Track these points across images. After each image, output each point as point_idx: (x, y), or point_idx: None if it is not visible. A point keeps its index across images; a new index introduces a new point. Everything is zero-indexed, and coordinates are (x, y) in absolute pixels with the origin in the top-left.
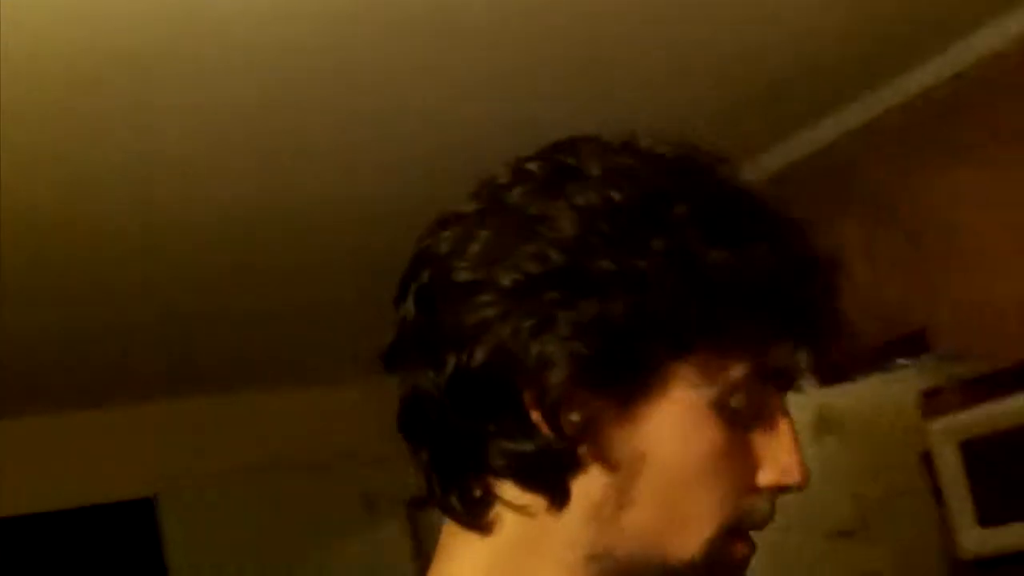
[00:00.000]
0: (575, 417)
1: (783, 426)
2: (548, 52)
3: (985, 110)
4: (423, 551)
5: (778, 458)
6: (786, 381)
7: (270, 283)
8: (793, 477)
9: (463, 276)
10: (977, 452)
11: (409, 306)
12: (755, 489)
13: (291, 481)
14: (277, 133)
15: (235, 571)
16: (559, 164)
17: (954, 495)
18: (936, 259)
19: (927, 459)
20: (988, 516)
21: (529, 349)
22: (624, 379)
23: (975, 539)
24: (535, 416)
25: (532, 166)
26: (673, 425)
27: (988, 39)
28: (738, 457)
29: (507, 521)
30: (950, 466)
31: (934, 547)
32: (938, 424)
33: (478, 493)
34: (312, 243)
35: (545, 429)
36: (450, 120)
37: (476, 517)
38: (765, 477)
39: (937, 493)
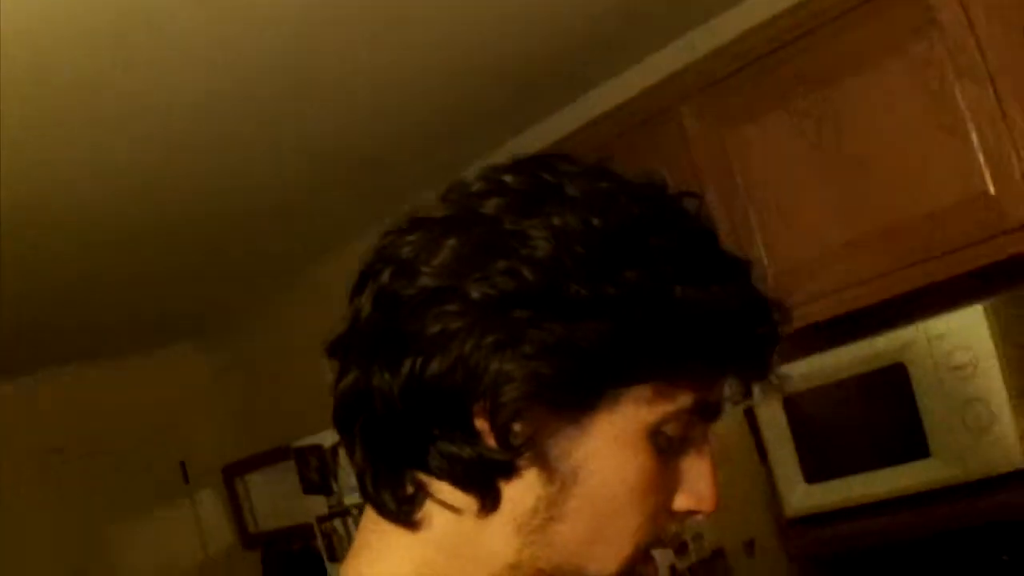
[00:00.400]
0: (522, 431)
1: (705, 455)
2: None
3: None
4: (240, 515)
5: (697, 486)
6: (716, 412)
7: (64, 256)
8: (707, 505)
9: (428, 282)
10: (799, 409)
11: (365, 303)
12: (671, 512)
13: (109, 452)
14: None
15: (54, 550)
16: (538, 180)
17: (779, 452)
18: (748, 214)
19: (750, 416)
20: (813, 473)
21: (489, 364)
22: (576, 401)
23: (801, 497)
24: (481, 426)
25: (509, 179)
26: (612, 447)
27: None
28: (663, 482)
29: (436, 520)
30: (774, 423)
31: (760, 506)
32: None
33: (410, 490)
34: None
35: (491, 440)
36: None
37: (407, 514)
38: (683, 502)
39: (761, 451)
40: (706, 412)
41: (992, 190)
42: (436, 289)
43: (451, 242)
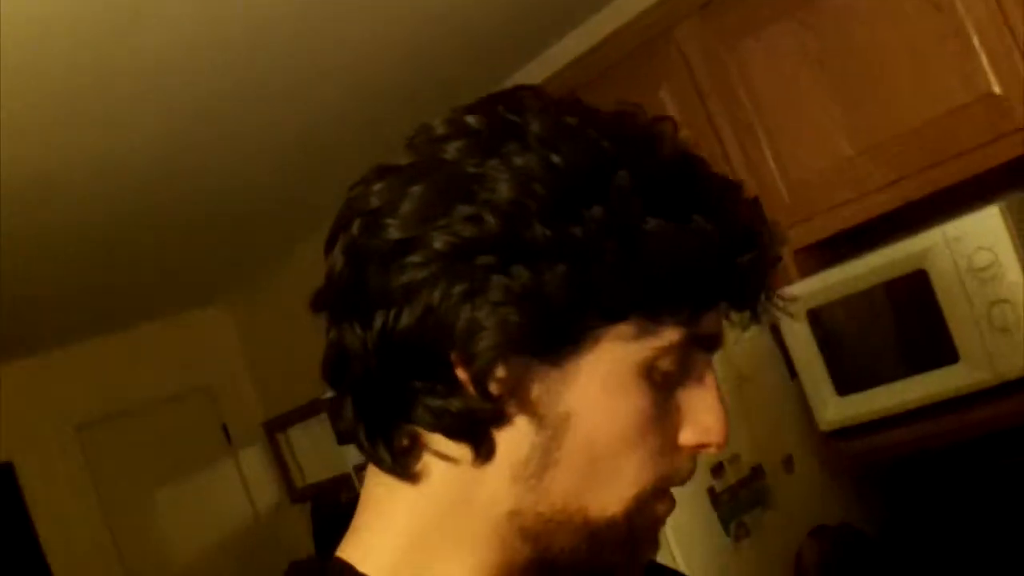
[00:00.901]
0: (503, 378)
1: (708, 385)
2: None
3: None
4: (286, 470)
5: (701, 418)
6: (714, 342)
7: (84, 226)
8: (715, 436)
9: (394, 234)
10: (825, 322)
11: (338, 257)
12: (677, 448)
13: (148, 420)
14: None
15: (102, 517)
16: (499, 119)
17: (808, 367)
18: (756, 130)
19: (776, 332)
20: (844, 386)
21: (459, 314)
22: (554, 345)
23: (834, 410)
24: (462, 376)
25: (471, 119)
26: (602, 388)
27: None
28: (663, 418)
29: (435, 471)
30: (800, 339)
31: (794, 421)
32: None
33: (405, 442)
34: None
35: (472, 390)
36: None
37: (404, 467)
38: (688, 437)
39: (791, 367)
40: (703, 343)
41: (998, 90)
42: (402, 240)
43: (415, 190)
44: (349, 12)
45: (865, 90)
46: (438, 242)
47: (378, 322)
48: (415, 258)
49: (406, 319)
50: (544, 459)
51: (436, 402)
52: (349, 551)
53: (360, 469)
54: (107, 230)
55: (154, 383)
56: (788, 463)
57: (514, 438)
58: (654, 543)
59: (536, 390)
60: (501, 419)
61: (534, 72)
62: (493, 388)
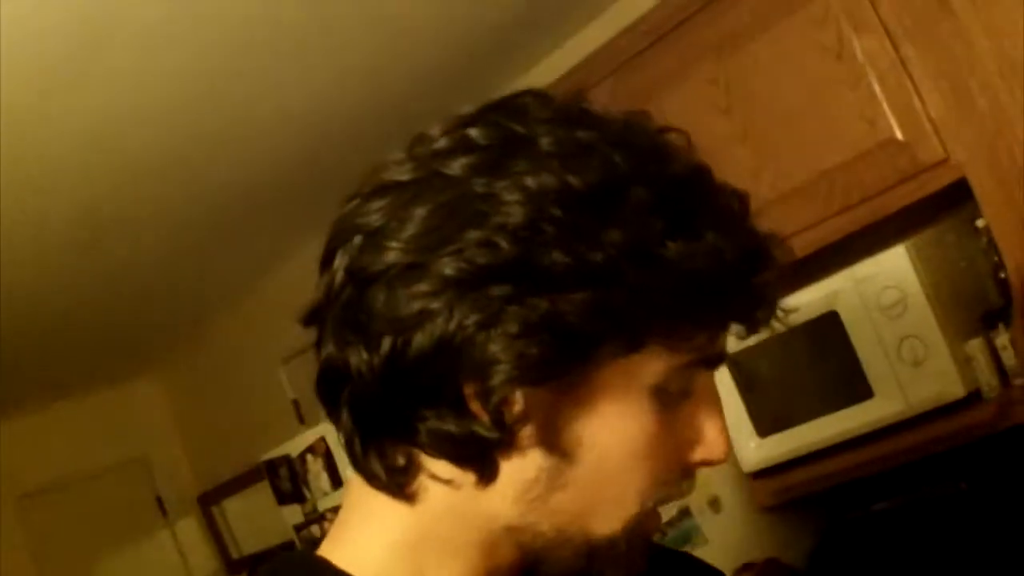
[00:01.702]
0: (517, 408)
1: (711, 402)
2: None
3: None
4: (221, 542)
5: (706, 436)
6: (719, 360)
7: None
8: (719, 453)
9: (399, 257)
10: (743, 366)
11: (338, 273)
12: (681, 466)
13: (87, 492)
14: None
15: None
16: (506, 133)
17: (728, 411)
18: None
19: None
20: (765, 427)
21: (474, 345)
22: (570, 374)
23: (756, 451)
24: (474, 406)
25: (476, 133)
26: (614, 412)
27: None
28: (669, 437)
29: (432, 492)
30: (720, 383)
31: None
32: None
33: (401, 462)
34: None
35: (485, 419)
36: None
37: (400, 486)
38: (694, 454)
39: None
40: (709, 361)
41: (900, 135)
42: (408, 265)
43: (419, 211)
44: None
45: (775, 139)
46: (449, 269)
47: (385, 346)
48: (424, 286)
49: (417, 347)
50: (552, 482)
51: (444, 429)
52: (335, 552)
53: (300, 528)
54: (35, 302)
55: (91, 455)
56: (715, 503)
57: (521, 462)
58: (645, 556)
59: (548, 417)
60: (510, 445)
61: None
62: (507, 419)
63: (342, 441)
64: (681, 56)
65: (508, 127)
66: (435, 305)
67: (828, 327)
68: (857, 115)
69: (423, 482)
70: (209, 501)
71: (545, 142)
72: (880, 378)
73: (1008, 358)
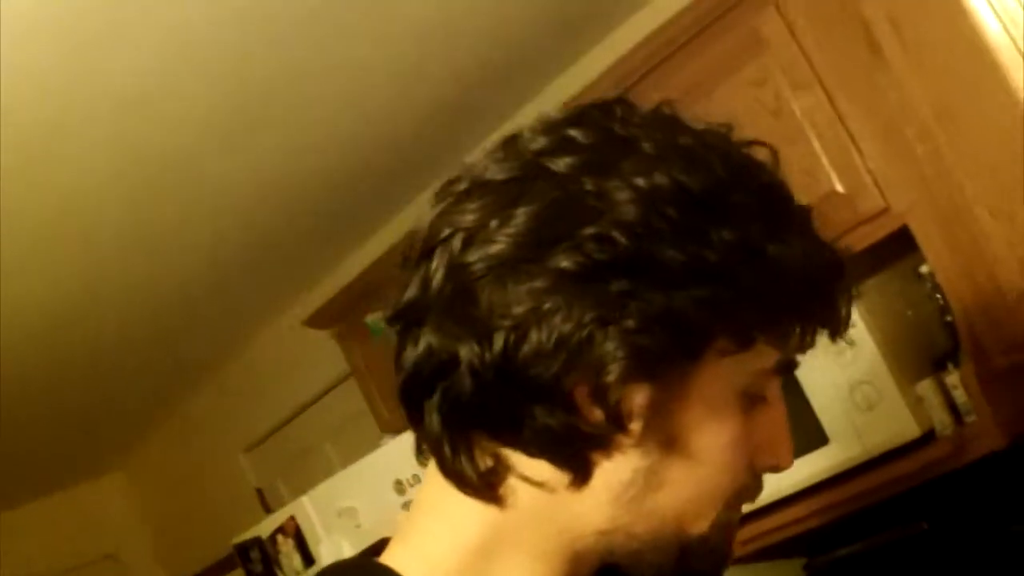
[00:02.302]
0: (625, 406)
1: (781, 410)
2: None
3: None
4: None
5: (774, 443)
6: (792, 367)
7: None
8: (786, 460)
9: (510, 252)
10: None
11: (436, 271)
12: (754, 470)
13: None
14: None
15: None
16: (609, 134)
17: None
18: None
19: None
20: None
21: (591, 341)
22: (680, 370)
23: None
24: (583, 401)
25: (577, 134)
26: (708, 412)
27: None
28: (749, 441)
29: (521, 494)
30: None
31: None
32: None
33: (491, 463)
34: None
35: (591, 415)
36: None
37: (490, 487)
38: (765, 460)
39: None
40: (784, 368)
41: (840, 188)
42: (519, 259)
43: (526, 208)
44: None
45: None
46: (566, 263)
47: (499, 341)
48: (539, 282)
49: (533, 343)
50: (649, 482)
51: (551, 426)
52: (399, 558)
53: None
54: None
55: (61, 554)
56: None
57: (617, 462)
58: (730, 553)
59: (649, 415)
60: (611, 444)
61: (413, 210)
62: (624, 414)
63: (427, 445)
64: None
65: (609, 128)
66: (551, 300)
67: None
68: (797, 170)
69: (512, 484)
70: None
71: (647, 145)
72: (835, 424)
73: (960, 396)
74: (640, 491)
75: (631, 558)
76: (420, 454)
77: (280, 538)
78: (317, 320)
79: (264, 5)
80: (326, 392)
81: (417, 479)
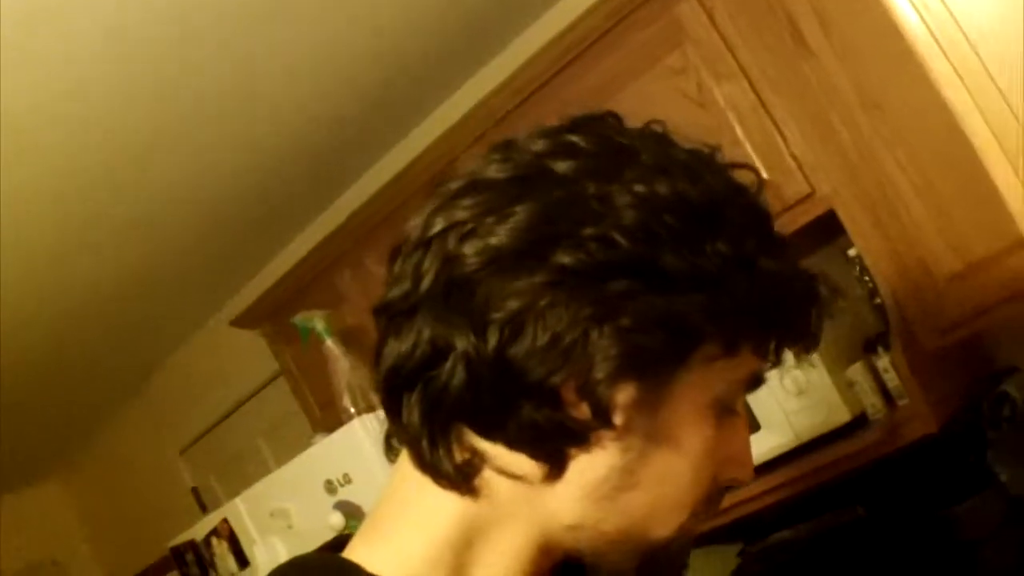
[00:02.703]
0: (612, 403)
1: (744, 425)
2: None
3: None
4: None
5: (738, 455)
6: (760, 381)
7: None
8: (749, 476)
9: (509, 246)
10: None
11: (431, 265)
12: (719, 480)
13: None
14: None
15: None
16: (610, 142)
17: None
18: None
19: None
20: None
21: (586, 338)
22: (666, 373)
23: None
24: (570, 396)
25: (578, 139)
26: (686, 417)
27: None
28: (717, 450)
29: (496, 486)
30: None
31: None
32: None
33: (466, 455)
34: None
35: (582, 412)
36: None
37: (466, 479)
38: (728, 472)
39: None
40: (753, 382)
41: (766, 175)
42: (517, 253)
43: (526, 206)
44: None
45: None
46: (568, 259)
47: (493, 336)
48: (539, 276)
49: (528, 338)
50: (623, 480)
51: (536, 420)
52: (367, 553)
53: None
54: None
55: (4, 559)
56: None
57: (594, 459)
58: (687, 564)
59: (634, 413)
60: (591, 440)
61: (336, 213)
62: (601, 413)
63: (403, 438)
64: (548, 115)
65: (609, 137)
66: (550, 296)
67: None
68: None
69: (487, 476)
70: None
71: (646, 156)
72: (766, 411)
73: (891, 380)
74: (613, 489)
75: (596, 556)
76: (389, 449)
77: (214, 540)
78: (244, 321)
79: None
80: (257, 391)
81: (348, 479)
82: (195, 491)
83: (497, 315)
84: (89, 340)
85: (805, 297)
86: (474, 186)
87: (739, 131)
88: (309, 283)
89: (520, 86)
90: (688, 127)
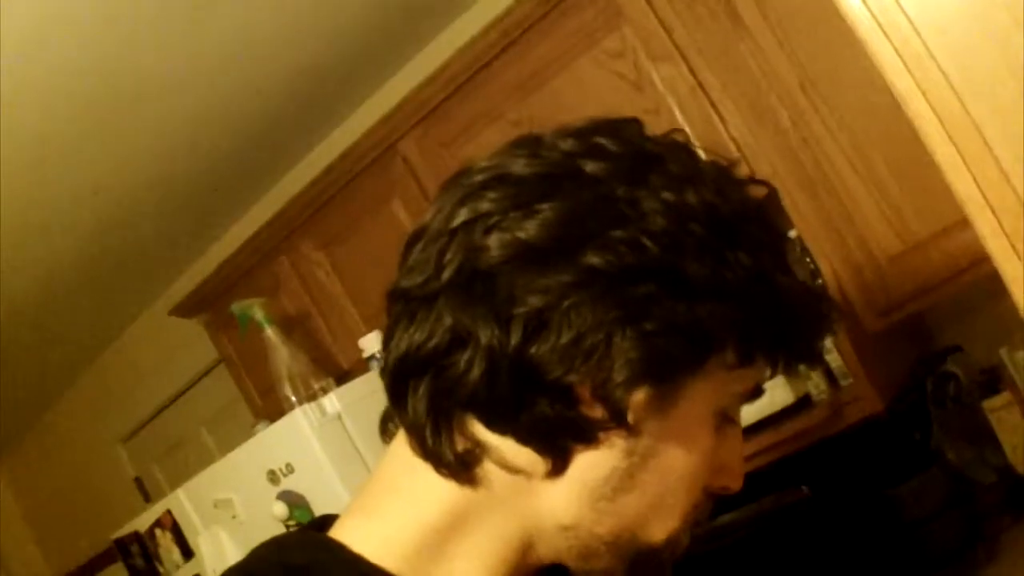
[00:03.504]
0: (626, 404)
1: (738, 435)
2: None
3: None
4: None
5: (731, 464)
6: (758, 393)
7: None
8: (738, 483)
9: (536, 242)
10: None
11: (454, 256)
12: (709, 488)
13: None
14: None
15: None
16: (639, 148)
17: None
18: None
19: None
20: None
21: (611, 339)
22: (681, 379)
23: None
24: (585, 396)
25: (606, 142)
26: (690, 424)
27: None
28: (713, 459)
29: (494, 478)
30: None
31: None
32: None
33: (468, 445)
34: None
35: (595, 413)
36: None
37: (465, 468)
38: (720, 480)
39: None
40: (755, 393)
41: (704, 157)
42: (544, 250)
43: (555, 202)
44: None
45: None
46: (597, 259)
47: (516, 331)
48: (566, 275)
49: (551, 336)
50: (623, 483)
51: (549, 415)
52: (356, 534)
53: None
54: None
55: None
56: None
57: (597, 458)
58: (671, 570)
59: (644, 416)
60: (595, 439)
61: (272, 201)
62: (615, 414)
63: (407, 424)
64: (485, 101)
65: (637, 143)
66: (576, 295)
67: None
68: None
69: (487, 467)
70: None
71: (673, 165)
72: None
73: (834, 361)
74: (612, 491)
75: (583, 560)
76: (384, 432)
77: (158, 532)
78: (182, 309)
79: None
80: (198, 380)
81: (291, 468)
82: (138, 481)
83: (521, 310)
84: (26, 329)
85: (816, 315)
86: (501, 179)
87: (678, 113)
88: (247, 271)
89: (457, 71)
90: (627, 111)
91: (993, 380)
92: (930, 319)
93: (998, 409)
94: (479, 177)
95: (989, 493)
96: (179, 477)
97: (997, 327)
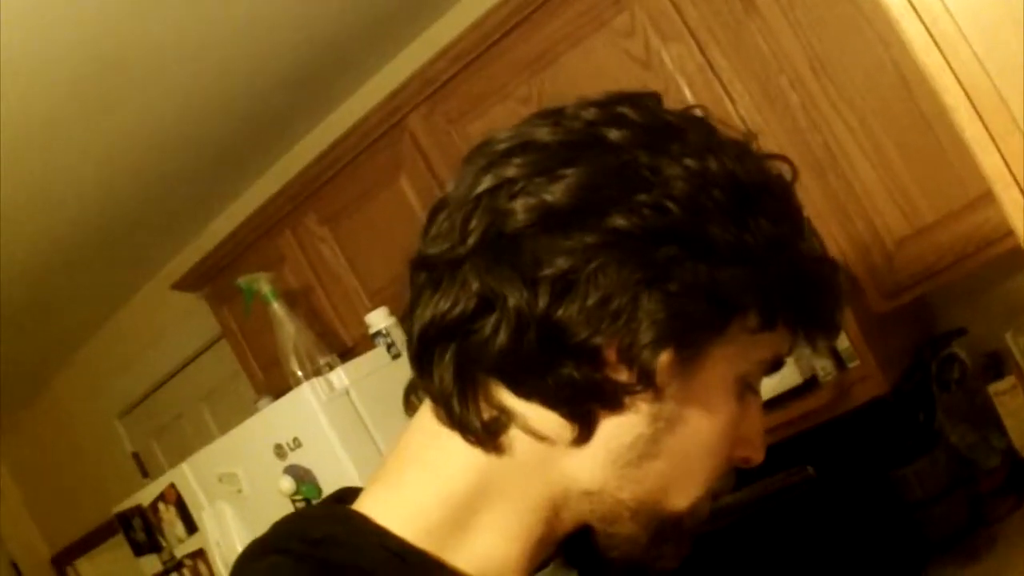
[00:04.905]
0: (652, 367)
1: (759, 407)
2: None
3: None
4: None
5: (752, 435)
6: (779, 365)
7: None
8: (759, 454)
9: (561, 206)
10: None
11: (479, 222)
12: (731, 458)
13: None
14: None
15: None
16: (660, 118)
17: None
18: None
19: None
20: None
21: (634, 301)
22: (704, 341)
23: None
24: (612, 358)
25: (628, 111)
26: (714, 391)
27: None
28: (736, 428)
29: (519, 445)
30: None
31: None
32: None
33: (495, 412)
34: None
35: (621, 375)
36: None
37: (491, 436)
38: (741, 451)
39: None
40: (773, 365)
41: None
42: (570, 213)
43: (578, 169)
44: None
45: None
46: (622, 221)
47: (544, 293)
48: (591, 238)
49: (578, 298)
50: (648, 449)
51: (576, 379)
52: (381, 507)
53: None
54: None
55: None
56: None
57: (622, 425)
58: (692, 540)
59: (669, 379)
60: (624, 405)
61: (276, 175)
62: (640, 378)
63: (433, 393)
64: (493, 78)
65: (659, 112)
66: (602, 257)
67: None
68: None
69: (513, 434)
70: (63, 562)
71: (693, 135)
72: None
73: (841, 342)
74: (637, 457)
75: (608, 525)
76: (407, 405)
77: (161, 506)
78: (184, 283)
79: None
80: (198, 355)
81: (298, 443)
82: (136, 456)
83: (548, 272)
84: (25, 303)
85: (834, 285)
86: (524, 147)
87: (687, 93)
88: (251, 245)
89: (466, 48)
90: (634, 89)
91: (997, 364)
92: (935, 302)
93: (1003, 393)
94: (503, 145)
95: (992, 476)
96: (176, 452)
97: (1002, 311)
